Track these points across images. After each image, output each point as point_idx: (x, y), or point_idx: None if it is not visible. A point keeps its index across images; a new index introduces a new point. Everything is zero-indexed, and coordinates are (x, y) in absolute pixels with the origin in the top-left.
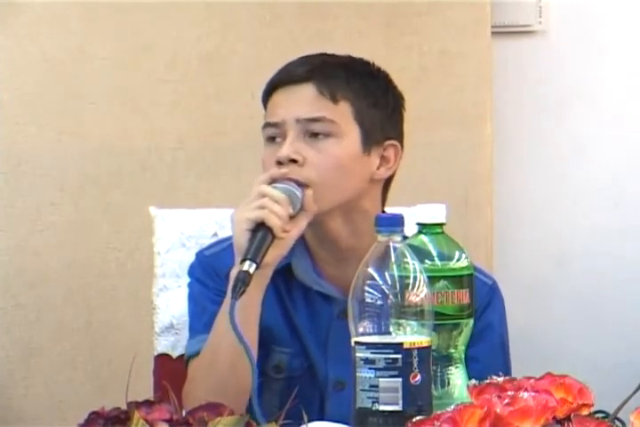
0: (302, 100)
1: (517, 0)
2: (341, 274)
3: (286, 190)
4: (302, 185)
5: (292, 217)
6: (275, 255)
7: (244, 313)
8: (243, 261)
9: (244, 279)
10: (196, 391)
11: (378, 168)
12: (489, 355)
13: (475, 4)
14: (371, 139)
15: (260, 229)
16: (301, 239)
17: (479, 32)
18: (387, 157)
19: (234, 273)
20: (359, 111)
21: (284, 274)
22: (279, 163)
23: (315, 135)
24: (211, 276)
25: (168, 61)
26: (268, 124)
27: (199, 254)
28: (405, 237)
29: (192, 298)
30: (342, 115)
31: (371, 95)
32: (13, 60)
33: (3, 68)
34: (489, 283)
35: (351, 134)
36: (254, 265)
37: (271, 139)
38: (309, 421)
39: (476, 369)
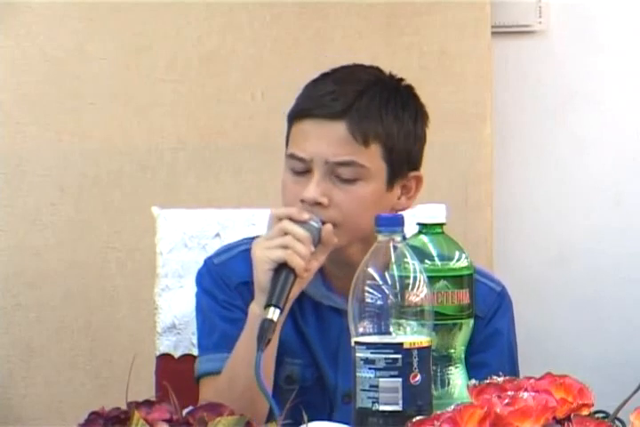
0: (333, 141)
1: (517, 0)
2: None
3: (307, 226)
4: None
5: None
6: (294, 292)
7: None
8: (267, 306)
9: (269, 328)
10: None
11: (399, 198)
12: (498, 361)
13: (475, 4)
14: (397, 174)
15: (283, 270)
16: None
17: (479, 32)
18: (408, 186)
19: (255, 312)
20: (389, 150)
21: None
22: (303, 201)
23: (342, 179)
24: (220, 287)
25: (168, 61)
26: (294, 157)
27: (208, 262)
28: (405, 237)
29: (200, 312)
30: (372, 157)
31: (402, 128)
32: (13, 60)
33: (3, 68)
34: (497, 289)
35: (378, 175)
36: (278, 311)
37: (297, 171)
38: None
39: (482, 376)
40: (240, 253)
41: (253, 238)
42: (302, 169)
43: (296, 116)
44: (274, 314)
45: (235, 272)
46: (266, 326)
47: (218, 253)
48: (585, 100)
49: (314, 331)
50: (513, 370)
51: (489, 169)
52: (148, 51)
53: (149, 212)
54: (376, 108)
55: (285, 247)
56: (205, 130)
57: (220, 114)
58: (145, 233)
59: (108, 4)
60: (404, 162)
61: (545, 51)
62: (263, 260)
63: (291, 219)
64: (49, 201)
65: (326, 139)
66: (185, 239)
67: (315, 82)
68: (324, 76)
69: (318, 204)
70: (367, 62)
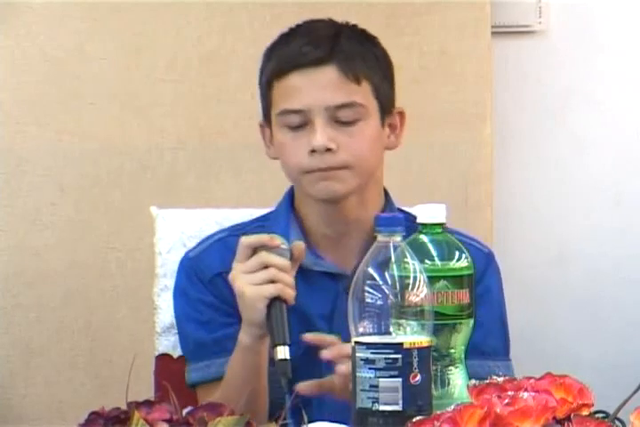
0: (327, 85)
1: (517, 0)
2: (342, 249)
3: (281, 252)
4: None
5: None
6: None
7: (253, 370)
8: (275, 346)
9: (288, 368)
10: None
11: (388, 137)
12: (490, 320)
13: (475, 4)
14: (386, 111)
15: (276, 303)
16: (296, 221)
17: (479, 32)
18: (394, 124)
19: (244, 342)
20: (376, 87)
21: None
22: (313, 151)
23: (343, 122)
24: (193, 283)
25: (168, 61)
26: (289, 111)
27: (183, 258)
28: (406, 237)
29: (176, 316)
30: (365, 95)
31: (380, 68)
32: (13, 60)
33: (3, 68)
34: (485, 251)
35: (373, 112)
36: (287, 348)
37: (294, 126)
38: (310, 421)
39: (477, 335)
40: (214, 244)
41: (232, 228)
42: (299, 122)
43: (277, 73)
44: (285, 353)
45: (208, 265)
46: (284, 368)
47: (194, 247)
48: (585, 100)
49: (305, 298)
50: (503, 330)
51: (489, 169)
52: (147, 51)
53: (149, 212)
54: (356, 49)
55: (273, 281)
56: (205, 130)
57: (219, 114)
58: (145, 233)
59: (108, 3)
60: (388, 99)
61: (545, 51)
62: (255, 298)
63: (263, 246)
64: (49, 201)
65: (320, 85)
66: (184, 239)
67: (279, 41)
68: (286, 35)
69: (328, 150)
70: None
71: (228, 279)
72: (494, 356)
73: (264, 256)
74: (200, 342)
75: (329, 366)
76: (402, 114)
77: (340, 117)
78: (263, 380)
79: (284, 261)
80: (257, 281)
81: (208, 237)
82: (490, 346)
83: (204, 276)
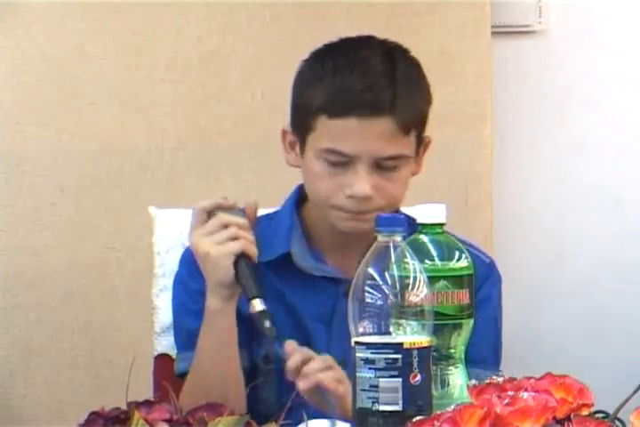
0: (380, 137)
1: (517, 0)
2: (346, 255)
3: (237, 212)
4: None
5: None
6: None
7: (224, 334)
8: (250, 300)
9: (267, 318)
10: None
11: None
12: (483, 329)
13: (475, 4)
14: (419, 146)
15: (241, 260)
16: (300, 225)
17: (479, 32)
18: (420, 152)
19: (214, 307)
20: (420, 133)
21: (282, 262)
22: (351, 197)
23: (385, 168)
24: (192, 273)
25: (168, 61)
26: (334, 151)
27: (186, 249)
28: (405, 237)
29: (173, 306)
30: (411, 144)
31: (427, 103)
32: (13, 60)
33: (3, 68)
34: (487, 261)
35: (413, 155)
36: (262, 300)
37: (335, 163)
38: (309, 418)
39: (470, 340)
40: None
41: None
42: (341, 162)
43: (331, 111)
44: (262, 304)
45: None
46: (264, 317)
47: None
48: (585, 100)
49: (303, 300)
50: (495, 340)
51: (489, 169)
52: (147, 51)
53: (149, 212)
54: (412, 96)
55: (237, 238)
56: (205, 130)
57: (220, 114)
58: (145, 233)
59: (108, 3)
60: (423, 134)
61: (545, 51)
62: (221, 257)
63: (218, 208)
64: (49, 201)
65: (373, 135)
66: (182, 239)
67: (329, 71)
68: (333, 61)
69: (368, 197)
70: None
71: (190, 247)
72: (482, 364)
73: (222, 217)
74: (193, 332)
75: (333, 357)
76: (427, 143)
77: (384, 165)
78: (234, 345)
79: (243, 220)
80: (220, 240)
81: None
82: (479, 354)
83: None
